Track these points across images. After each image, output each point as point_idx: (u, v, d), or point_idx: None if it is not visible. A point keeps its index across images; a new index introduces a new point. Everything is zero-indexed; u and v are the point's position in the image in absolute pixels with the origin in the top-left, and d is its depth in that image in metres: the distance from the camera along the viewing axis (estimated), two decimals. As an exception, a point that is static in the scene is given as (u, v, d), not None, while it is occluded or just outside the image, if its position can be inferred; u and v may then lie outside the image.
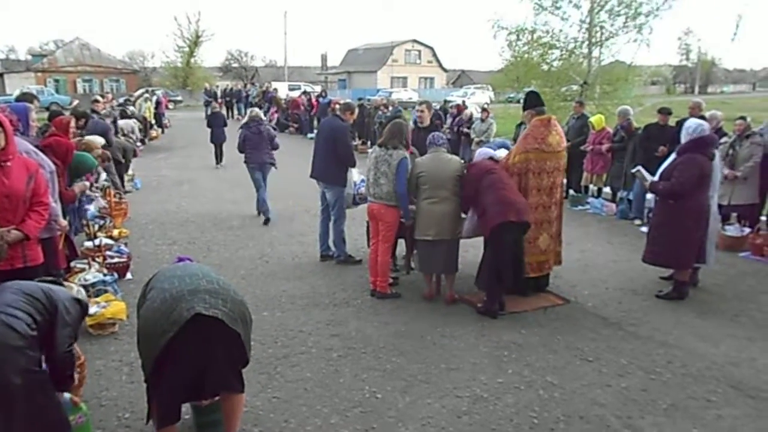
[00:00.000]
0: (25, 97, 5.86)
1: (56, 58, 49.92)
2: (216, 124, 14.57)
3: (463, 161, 5.95)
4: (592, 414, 3.78)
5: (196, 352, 2.89)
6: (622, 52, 17.76)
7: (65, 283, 3.25)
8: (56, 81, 47.59)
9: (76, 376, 3.70)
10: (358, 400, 3.91)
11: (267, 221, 8.78)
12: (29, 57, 55.03)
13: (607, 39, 17.37)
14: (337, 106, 7.76)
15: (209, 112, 17.33)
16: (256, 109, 9.83)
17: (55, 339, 2.75)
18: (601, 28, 17.27)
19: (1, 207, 3.78)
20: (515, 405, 3.87)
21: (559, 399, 3.95)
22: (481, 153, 5.93)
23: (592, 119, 10.36)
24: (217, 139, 14.50)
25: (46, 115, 6.81)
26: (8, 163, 3.80)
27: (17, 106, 4.77)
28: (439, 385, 4.11)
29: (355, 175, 6.94)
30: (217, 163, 14.58)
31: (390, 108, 17.63)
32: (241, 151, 8.96)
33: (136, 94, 22.39)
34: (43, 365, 2.78)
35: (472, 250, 6.22)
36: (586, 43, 17.40)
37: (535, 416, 3.75)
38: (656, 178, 5.84)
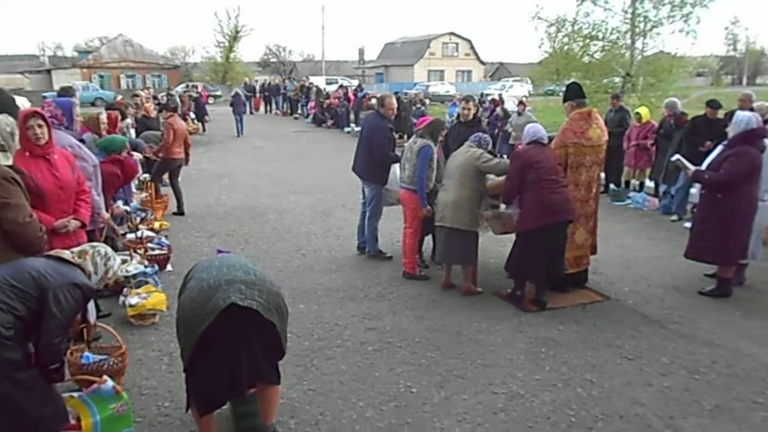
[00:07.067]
0: (67, 91, 6.01)
1: (101, 55, 51.17)
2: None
3: (501, 156, 5.90)
4: (632, 413, 3.69)
5: (232, 342, 2.92)
6: (667, 42, 17.30)
7: (75, 261, 2.99)
8: (101, 77, 48.81)
9: (117, 365, 3.81)
10: (393, 394, 3.91)
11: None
12: (75, 53, 56.83)
13: (651, 29, 16.92)
14: (373, 101, 7.86)
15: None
16: (238, 89, 18.97)
17: (41, 330, 2.62)
18: (645, 18, 16.83)
19: (57, 199, 3.89)
20: (552, 403, 3.81)
21: (598, 397, 3.88)
22: (528, 132, 5.44)
23: (640, 110, 10.07)
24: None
25: (89, 110, 6.96)
26: (54, 156, 3.91)
27: (62, 101, 4.88)
28: (474, 381, 4.08)
29: (399, 171, 6.90)
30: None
31: (427, 101, 17.55)
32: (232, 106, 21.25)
33: (177, 89, 22.82)
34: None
35: (509, 245, 6.12)
36: (629, 33, 16.99)
37: (573, 414, 3.68)
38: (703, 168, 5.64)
